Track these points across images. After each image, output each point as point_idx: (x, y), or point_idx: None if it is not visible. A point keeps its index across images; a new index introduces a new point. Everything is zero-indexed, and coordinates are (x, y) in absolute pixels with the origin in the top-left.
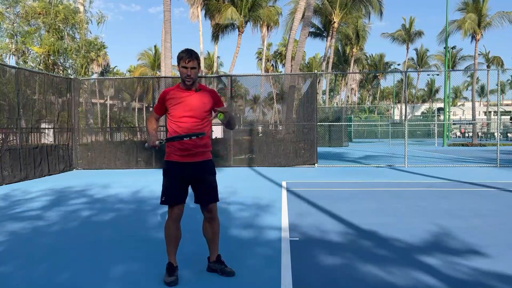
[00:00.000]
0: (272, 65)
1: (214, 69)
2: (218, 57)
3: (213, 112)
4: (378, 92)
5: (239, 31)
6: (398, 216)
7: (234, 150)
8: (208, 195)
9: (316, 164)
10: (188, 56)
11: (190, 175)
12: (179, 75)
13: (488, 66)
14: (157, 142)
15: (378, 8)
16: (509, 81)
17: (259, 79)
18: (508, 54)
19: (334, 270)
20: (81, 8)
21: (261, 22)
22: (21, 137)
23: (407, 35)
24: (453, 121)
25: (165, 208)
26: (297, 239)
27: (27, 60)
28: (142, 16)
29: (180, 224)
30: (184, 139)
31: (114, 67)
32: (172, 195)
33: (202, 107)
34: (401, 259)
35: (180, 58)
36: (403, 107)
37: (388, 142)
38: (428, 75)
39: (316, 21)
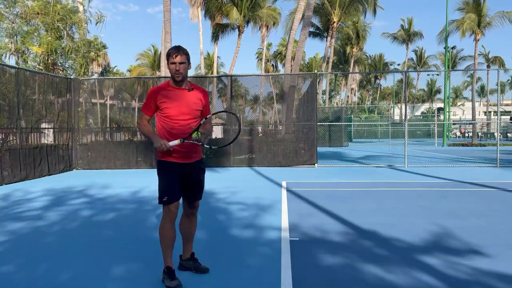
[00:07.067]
0: (272, 65)
1: (214, 69)
2: (218, 57)
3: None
4: (378, 92)
5: (239, 31)
6: (398, 216)
7: (234, 150)
8: (197, 192)
9: (316, 164)
10: (175, 51)
11: (185, 174)
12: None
13: (488, 66)
14: (170, 144)
15: (372, 7)
16: (509, 81)
17: (259, 79)
18: (508, 54)
19: (334, 270)
20: (81, 8)
21: (260, 22)
22: (21, 137)
23: (407, 36)
24: (453, 121)
25: None
26: (297, 239)
27: (27, 60)
28: (140, 16)
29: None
30: (187, 141)
31: (114, 67)
32: (173, 192)
33: (196, 106)
34: (401, 259)
35: (168, 55)
36: (403, 107)
37: (388, 142)
38: (428, 75)
39: (316, 21)
